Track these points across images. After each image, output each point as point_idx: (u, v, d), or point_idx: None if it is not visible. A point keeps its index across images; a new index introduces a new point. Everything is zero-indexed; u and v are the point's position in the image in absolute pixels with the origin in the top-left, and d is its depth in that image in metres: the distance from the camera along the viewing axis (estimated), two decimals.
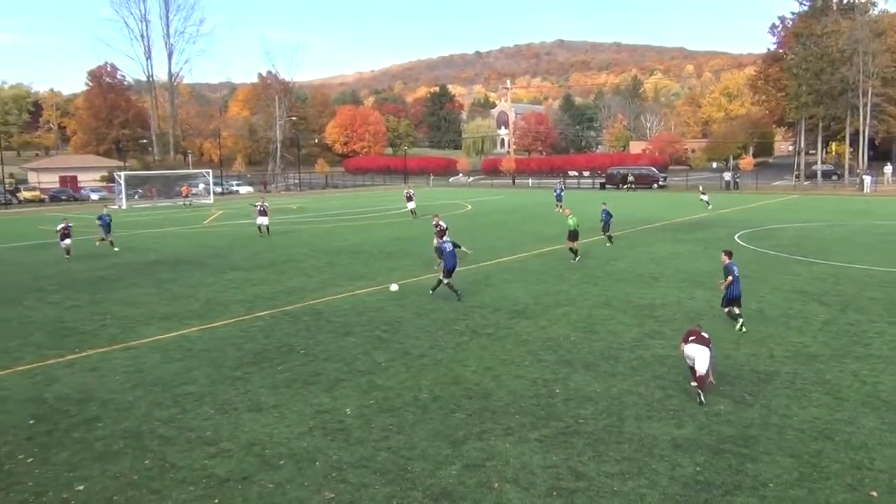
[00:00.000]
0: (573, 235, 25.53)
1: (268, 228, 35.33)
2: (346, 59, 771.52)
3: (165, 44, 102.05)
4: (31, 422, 10.79)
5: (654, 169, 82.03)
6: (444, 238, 21.55)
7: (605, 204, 30.73)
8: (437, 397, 11.63)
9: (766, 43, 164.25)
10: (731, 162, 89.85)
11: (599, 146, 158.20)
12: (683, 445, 9.59)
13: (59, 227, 28.80)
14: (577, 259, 25.13)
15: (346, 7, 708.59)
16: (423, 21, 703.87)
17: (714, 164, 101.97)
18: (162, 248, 31.37)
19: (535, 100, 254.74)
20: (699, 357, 11.18)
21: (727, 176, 74.37)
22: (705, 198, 47.15)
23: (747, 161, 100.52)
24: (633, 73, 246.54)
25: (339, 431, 10.27)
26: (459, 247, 20.82)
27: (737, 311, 15.43)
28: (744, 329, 15.21)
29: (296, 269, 24.48)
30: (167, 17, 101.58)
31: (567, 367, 13.11)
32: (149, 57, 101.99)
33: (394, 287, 20.05)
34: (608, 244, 28.86)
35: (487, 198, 54.76)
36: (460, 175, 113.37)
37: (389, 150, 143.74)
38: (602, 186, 79.35)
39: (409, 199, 45.71)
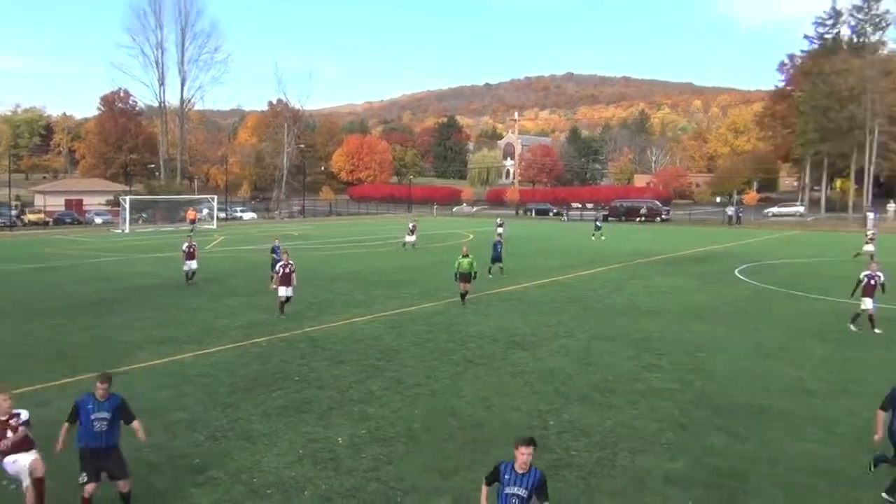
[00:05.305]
0: (464, 277, 23.08)
1: (193, 273, 28.20)
2: (357, 88, 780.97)
3: (179, 71, 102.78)
4: None
5: (658, 202, 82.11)
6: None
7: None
8: (429, 428, 11.56)
9: (774, 80, 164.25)
10: (735, 196, 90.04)
11: (604, 179, 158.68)
12: (676, 479, 9.51)
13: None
14: (464, 305, 22.76)
15: (358, 37, 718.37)
16: (435, 53, 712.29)
17: (718, 199, 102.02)
18: (164, 272, 31.39)
19: (542, 132, 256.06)
20: None
21: (730, 210, 74.48)
22: None
23: (751, 196, 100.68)
24: (641, 108, 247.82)
25: (329, 461, 10.20)
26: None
27: None
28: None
29: (295, 296, 24.45)
30: (183, 45, 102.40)
31: (562, 399, 13.04)
32: (162, 83, 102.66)
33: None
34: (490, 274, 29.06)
35: (490, 228, 54.76)
36: (464, 205, 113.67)
37: (395, 179, 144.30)
38: (605, 219, 79.43)
39: (412, 231, 43.70)
